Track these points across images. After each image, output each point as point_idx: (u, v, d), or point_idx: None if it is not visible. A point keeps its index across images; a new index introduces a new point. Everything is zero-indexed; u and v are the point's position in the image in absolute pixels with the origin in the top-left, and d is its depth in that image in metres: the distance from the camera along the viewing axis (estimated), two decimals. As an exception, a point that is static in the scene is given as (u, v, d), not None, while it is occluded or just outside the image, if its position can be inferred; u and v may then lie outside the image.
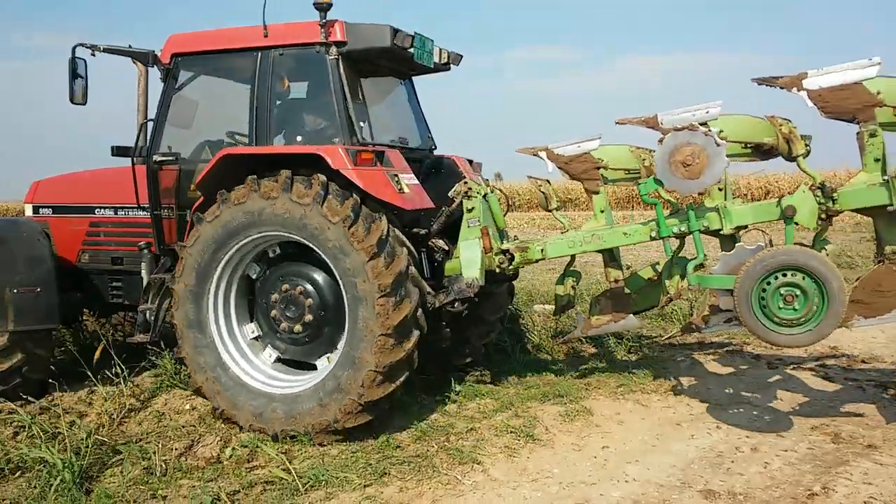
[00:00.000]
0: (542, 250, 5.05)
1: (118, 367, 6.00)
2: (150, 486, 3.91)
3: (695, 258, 4.58)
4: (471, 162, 6.16)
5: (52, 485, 3.79)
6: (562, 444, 4.52)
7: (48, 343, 5.61)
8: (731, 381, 5.83)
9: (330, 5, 4.88)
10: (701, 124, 4.30)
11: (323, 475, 3.93)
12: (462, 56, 5.99)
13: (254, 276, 5.10)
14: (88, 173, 6.35)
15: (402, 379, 4.55)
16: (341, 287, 4.53)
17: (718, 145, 4.21)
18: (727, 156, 4.31)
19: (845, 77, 4.14)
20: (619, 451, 4.38)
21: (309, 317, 4.80)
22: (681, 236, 4.74)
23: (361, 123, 5.14)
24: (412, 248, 4.77)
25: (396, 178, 4.73)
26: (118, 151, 5.76)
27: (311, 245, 4.59)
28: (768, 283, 4.06)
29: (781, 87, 4.31)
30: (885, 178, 4.08)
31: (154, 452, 4.26)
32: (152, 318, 5.47)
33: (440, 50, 5.67)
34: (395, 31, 4.95)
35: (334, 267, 4.53)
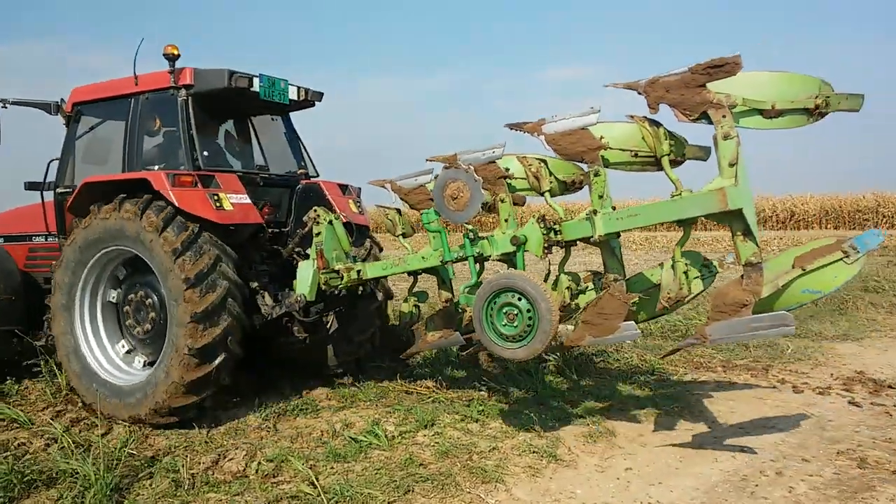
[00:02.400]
0: (359, 271, 5.57)
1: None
2: (179, 498, 3.99)
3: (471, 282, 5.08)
4: (345, 187, 6.74)
5: (84, 497, 3.87)
6: (585, 464, 4.53)
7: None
8: (755, 405, 5.79)
9: (178, 56, 5.74)
10: (491, 162, 4.77)
11: (347, 491, 3.97)
12: (322, 93, 6.76)
13: (113, 301, 5.93)
14: (28, 207, 7.10)
15: (205, 393, 5.25)
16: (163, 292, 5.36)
17: (476, 181, 4.66)
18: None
19: (573, 124, 4.51)
20: (643, 473, 4.38)
21: (151, 318, 5.66)
22: (460, 260, 5.10)
23: (205, 153, 5.92)
24: (233, 254, 5.49)
25: (216, 197, 5.47)
26: (30, 186, 6.76)
27: (140, 254, 5.42)
28: (494, 303, 4.49)
29: (526, 132, 4.72)
30: (586, 214, 4.53)
31: (182, 466, 4.34)
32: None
33: (298, 89, 6.46)
34: (232, 73, 5.75)
35: (156, 271, 5.34)
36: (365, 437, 4.92)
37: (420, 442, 4.91)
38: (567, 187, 5.02)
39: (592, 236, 4.47)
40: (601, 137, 4.56)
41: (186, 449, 4.84)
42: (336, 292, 5.85)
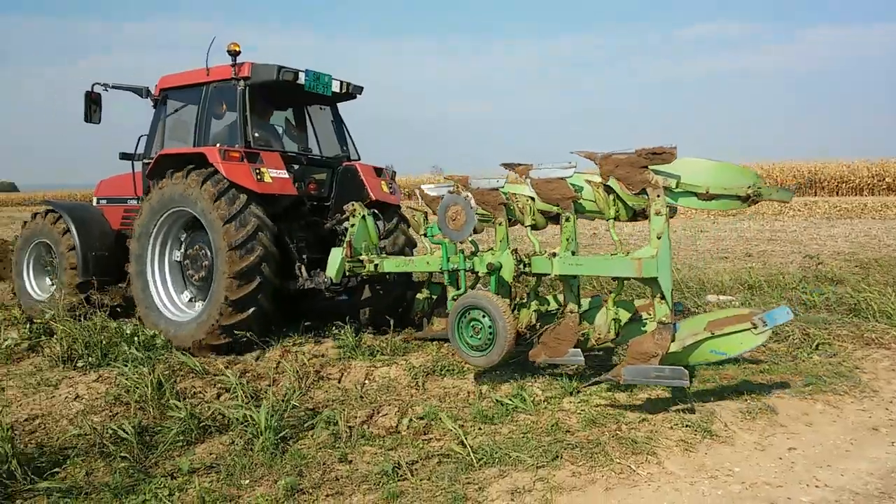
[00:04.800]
0: (377, 265, 6.36)
1: (297, 336, 6.68)
2: (338, 449, 4.21)
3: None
4: (380, 169, 7.68)
5: (253, 443, 4.19)
6: (743, 442, 4.31)
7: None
8: (939, 387, 5.25)
9: (238, 52, 6.79)
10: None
11: (496, 453, 4.03)
12: (362, 87, 7.84)
13: (178, 260, 7.13)
14: (125, 175, 8.23)
15: (236, 336, 6.29)
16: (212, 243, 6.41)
17: (472, 208, 5.36)
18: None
19: (554, 174, 5.13)
20: (808, 455, 4.11)
21: (205, 266, 6.78)
22: (454, 271, 5.75)
23: (256, 134, 7.03)
24: (272, 226, 6.53)
25: (258, 171, 6.53)
26: (123, 156, 7.99)
27: (197, 216, 6.53)
28: (464, 317, 5.23)
29: (518, 174, 5.53)
30: (549, 255, 5.19)
31: (340, 419, 4.58)
32: None
33: (340, 83, 7.53)
34: (280, 68, 6.84)
35: (208, 232, 6.43)
36: (511, 400, 4.95)
37: (566, 408, 4.88)
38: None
39: (550, 274, 5.20)
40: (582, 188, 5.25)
41: (343, 403, 5.10)
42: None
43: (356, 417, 4.73)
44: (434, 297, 6.61)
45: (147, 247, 6.96)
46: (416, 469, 3.94)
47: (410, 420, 4.67)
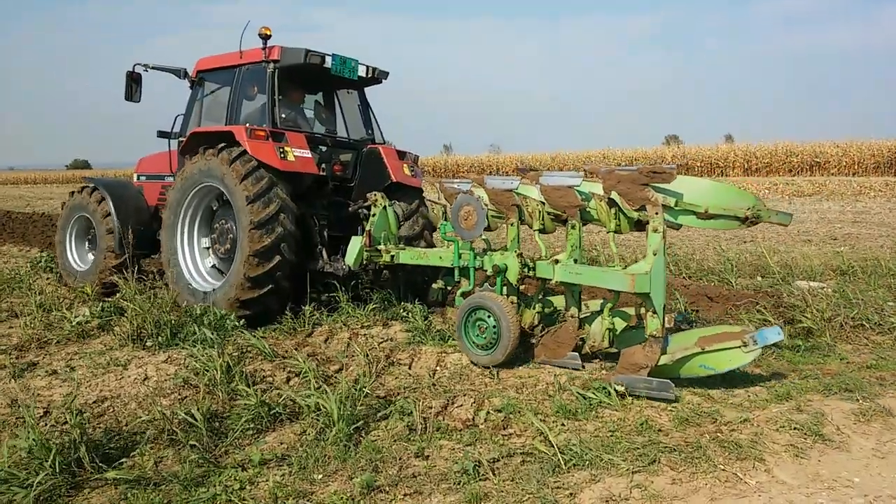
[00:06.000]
0: (393, 256, 6.61)
1: (364, 318, 6.48)
2: (414, 443, 3.96)
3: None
4: (403, 153, 7.80)
5: (326, 434, 3.98)
6: (859, 448, 3.88)
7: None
8: None
9: (269, 36, 7.01)
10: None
11: (585, 454, 3.71)
12: (388, 72, 7.96)
13: (214, 208, 7.37)
14: (162, 153, 8.45)
15: (252, 311, 6.50)
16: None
17: (483, 209, 5.53)
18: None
19: (562, 181, 5.27)
20: (938, 466, 3.66)
21: (230, 239, 6.98)
22: (463, 268, 5.95)
23: (283, 115, 7.28)
24: (294, 208, 6.68)
25: (282, 150, 6.68)
26: (161, 134, 8.23)
27: (224, 192, 6.77)
28: (470, 316, 5.48)
29: (528, 181, 5.60)
30: (551, 261, 5.35)
31: (414, 409, 4.32)
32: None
33: (367, 67, 7.67)
34: (308, 52, 7.01)
35: (234, 208, 6.62)
36: (595, 394, 4.62)
37: (655, 405, 4.52)
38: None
39: (552, 280, 5.32)
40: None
41: (415, 391, 4.86)
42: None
43: (431, 408, 4.47)
44: (445, 286, 6.72)
45: (178, 217, 7.22)
46: (498, 468, 3.65)
47: (488, 413, 4.40)
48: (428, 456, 3.83)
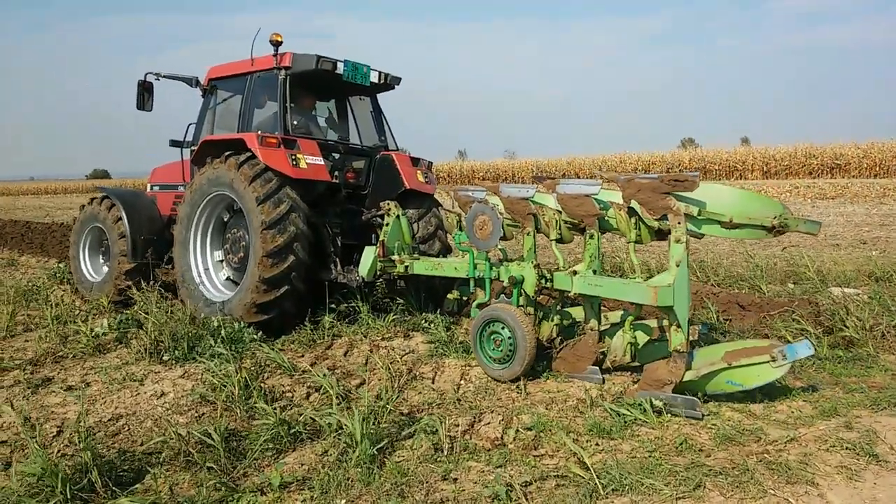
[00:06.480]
0: (407, 266, 6.46)
1: (384, 329, 6.31)
2: (440, 464, 3.76)
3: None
4: (416, 160, 7.62)
5: (349, 454, 3.79)
6: (917, 469, 3.63)
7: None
8: None
9: (280, 42, 6.94)
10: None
11: (625, 478, 3.49)
12: (400, 78, 7.83)
13: (225, 219, 7.23)
14: (175, 163, 8.33)
15: (270, 314, 6.36)
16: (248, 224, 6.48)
17: (498, 218, 5.35)
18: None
19: (580, 189, 5.13)
20: None
21: (243, 247, 6.86)
22: (480, 279, 5.78)
23: (295, 122, 7.14)
24: (305, 207, 6.57)
25: (294, 157, 6.57)
26: (173, 143, 8.10)
27: (235, 198, 6.63)
28: (486, 329, 5.30)
29: (545, 189, 5.49)
30: (570, 272, 5.16)
31: (440, 427, 4.12)
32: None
33: (379, 73, 7.56)
34: (319, 58, 6.87)
35: (244, 213, 6.49)
36: (628, 410, 4.39)
37: (693, 422, 4.29)
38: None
39: (570, 291, 5.13)
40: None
41: (440, 407, 4.67)
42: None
43: (457, 426, 4.27)
44: (460, 296, 6.42)
45: (190, 231, 7.09)
46: (530, 492, 3.44)
47: (517, 431, 4.19)
48: (456, 479, 3.62)
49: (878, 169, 41.04)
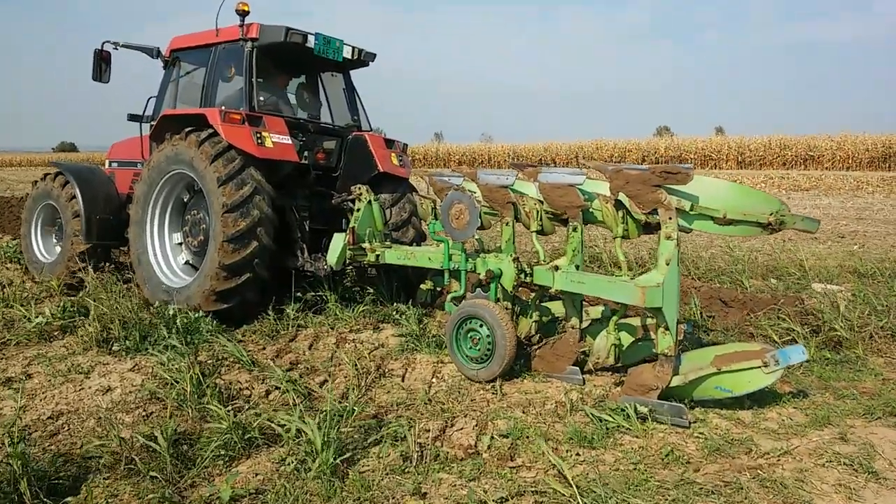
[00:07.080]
0: (378, 255, 6.17)
1: (353, 321, 5.97)
2: (409, 476, 3.44)
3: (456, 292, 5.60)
4: (391, 141, 7.27)
5: (308, 465, 3.45)
6: (918, 488, 3.40)
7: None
8: None
9: (247, 12, 6.43)
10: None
11: (608, 496, 3.20)
12: (375, 55, 7.37)
13: (185, 200, 6.75)
14: (134, 138, 7.83)
15: (231, 303, 5.97)
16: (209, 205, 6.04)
17: (475, 207, 5.07)
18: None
19: (563, 179, 4.82)
20: None
21: (203, 230, 6.39)
22: (455, 271, 5.51)
23: (261, 98, 6.68)
24: (270, 190, 6.14)
25: (259, 135, 6.11)
26: (131, 118, 7.62)
27: (195, 178, 6.19)
28: (462, 327, 4.97)
29: (526, 177, 5.20)
30: (551, 268, 4.83)
31: (409, 433, 3.80)
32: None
33: (353, 49, 7.08)
34: (288, 30, 6.44)
35: (205, 194, 6.07)
36: (611, 416, 4.11)
37: (679, 430, 4.02)
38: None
39: (551, 288, 4.83)
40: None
41: (409, 408, 4.36)
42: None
43: (427, 431, 3.95)
44: (434, 287, 6.29)
45: (147, 211, 6.64)
46: (506, 510, 3.15)
47: (492, 438, 3.89)
48: (425, 493, 3.30)
49: (850, 161, 41.47)
